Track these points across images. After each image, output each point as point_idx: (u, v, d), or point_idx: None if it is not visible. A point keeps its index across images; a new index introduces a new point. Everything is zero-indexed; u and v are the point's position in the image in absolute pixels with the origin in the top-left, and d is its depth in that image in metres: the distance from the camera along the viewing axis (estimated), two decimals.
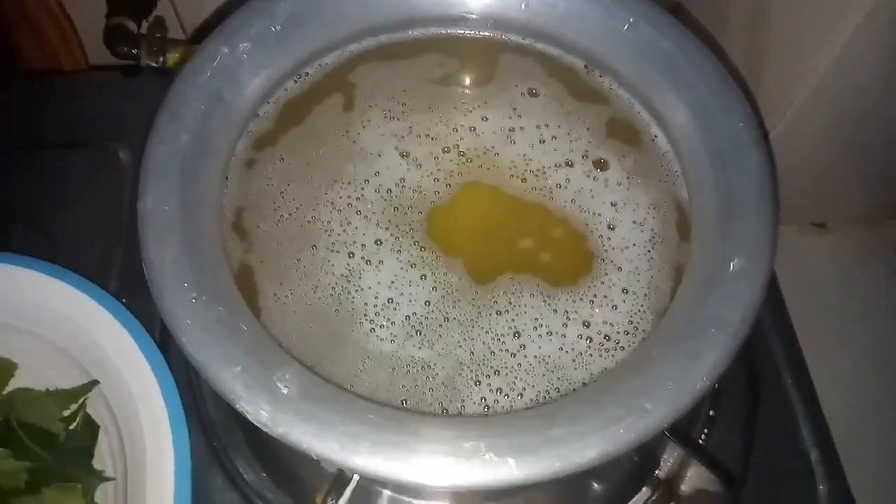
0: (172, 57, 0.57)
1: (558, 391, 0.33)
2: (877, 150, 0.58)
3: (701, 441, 0.44)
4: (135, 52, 0.57)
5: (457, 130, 0.40)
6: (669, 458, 0.41)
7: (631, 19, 0.38)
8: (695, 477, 0.39)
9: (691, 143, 0.36)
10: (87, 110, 0.57)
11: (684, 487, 0.41)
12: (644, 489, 0.42)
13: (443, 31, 0.42)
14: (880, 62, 0.46)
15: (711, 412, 0.45)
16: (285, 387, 0.29)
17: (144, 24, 0.59)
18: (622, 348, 0.34)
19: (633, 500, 0.42)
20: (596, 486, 0.43)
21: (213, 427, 0.43)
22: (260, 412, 0.28)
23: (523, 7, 0.40)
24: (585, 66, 0.41)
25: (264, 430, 0.28)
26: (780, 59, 0.51)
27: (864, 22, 0.43)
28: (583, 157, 0.39)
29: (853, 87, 0.49)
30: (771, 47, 0.53)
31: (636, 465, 0.43)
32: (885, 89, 0.49)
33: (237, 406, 0.28)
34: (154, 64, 0.57)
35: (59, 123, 0.56)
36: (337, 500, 0.34)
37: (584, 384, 0.33)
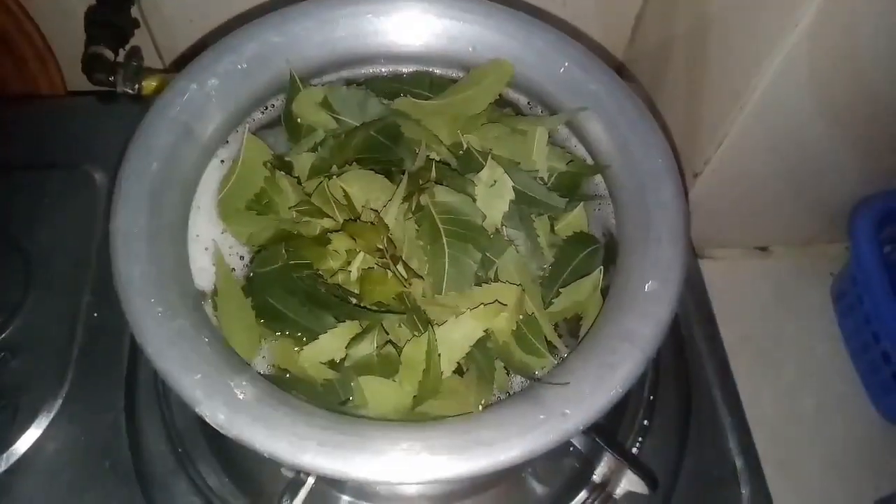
0: (148, 84, 0.60)
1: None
2: (811, 177, 0.63)
3: (636, 449, 0.48)
4: (111, 79, 0.60)
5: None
6: (604, 465, 0.45)
7: (566, 64, 0.42)
8: (625, 481, 0.43)
9: (617, 175, 0.40)
10: (63, 133, 0.60)
11: (617, 491, 0.44)
12: (583, 492, 0.45)
13: (395, 68, 0.46)
14: (801, 100, 0.51)
15: (646, 422, 0.49)
16: (241, 392, 0.32)
17: (121, 53, 0.62)
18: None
19: (573, 502, 0.46)
20: (539, 489, 0.46)
21: (179, 435, 0.46)
22: (217, 415, 0.31)
23: (471, 49, 0.44)
24: (528, 102, 0.45)
25: (221, 431, 0.31)
26: (713, 99, 0.56)
27: (782, 66, 0.47)
28: None
29: (780, 121, 0.53)
30: (704, 91, 0.57)
31: (576, 470, 0.46)
32: (808, 124, 0.54)
33: (197, 410, 0.31)
34: (130, 91, 0.60)
35: (36, 145, 0.59)
36: (291, 500, 0.37)
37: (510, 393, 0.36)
